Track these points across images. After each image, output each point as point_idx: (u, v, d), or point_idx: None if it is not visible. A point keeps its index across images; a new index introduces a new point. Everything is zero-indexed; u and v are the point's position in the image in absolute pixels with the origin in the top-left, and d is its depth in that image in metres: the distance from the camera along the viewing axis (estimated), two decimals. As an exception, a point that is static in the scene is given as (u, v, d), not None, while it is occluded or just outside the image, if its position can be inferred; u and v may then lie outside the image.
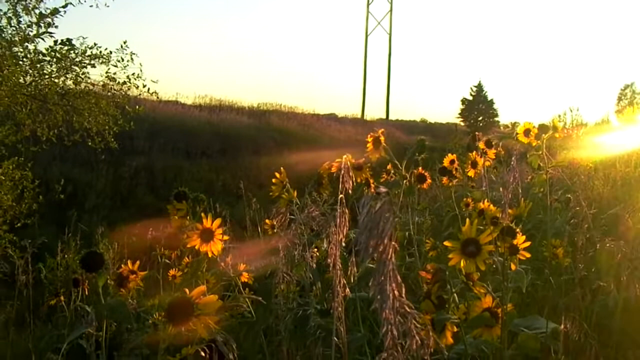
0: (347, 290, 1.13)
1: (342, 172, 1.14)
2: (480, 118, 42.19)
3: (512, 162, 1.78)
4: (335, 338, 1.23)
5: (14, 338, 4.42)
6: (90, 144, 8.76)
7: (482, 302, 1.85)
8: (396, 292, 0.75)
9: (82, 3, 8.12)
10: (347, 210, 1.12)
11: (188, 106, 31.25)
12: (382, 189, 0.81)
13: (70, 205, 13.12)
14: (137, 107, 9.28)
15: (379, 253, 0.74)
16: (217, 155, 24.58)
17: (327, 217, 1.17)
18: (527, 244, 1.87)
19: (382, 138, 2.48)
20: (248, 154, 24.42)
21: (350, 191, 1.20)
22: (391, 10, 46.23)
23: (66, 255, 7.28)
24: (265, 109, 34.48)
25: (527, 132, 3.15)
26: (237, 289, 2.31)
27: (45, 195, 9.04)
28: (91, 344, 2.74)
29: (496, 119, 42.17)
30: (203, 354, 1.29)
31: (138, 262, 2.56)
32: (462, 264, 1.67)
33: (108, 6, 8.46)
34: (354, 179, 2.62)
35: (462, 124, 41.74)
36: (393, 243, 0.75)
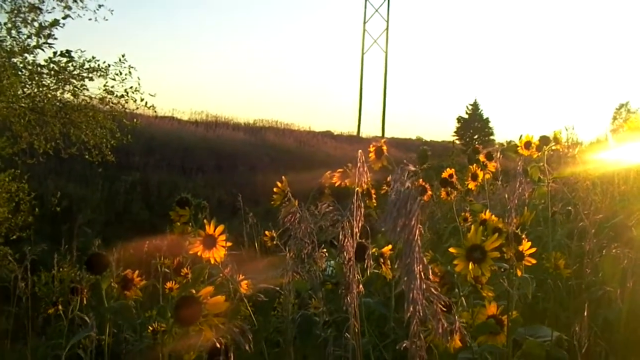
0: (361, 286, 1.12)
1: (359, 165, 1.13)
2: (476, 136, 42.25)
3: (518, 169, 1.78)
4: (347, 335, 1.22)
5: (9, 350, 4.39)
6: (87, 157, 8.75)
7: (487, 309, 1.84)
8: (423, 274, 0.75)
9: (80, 17, 8.14)
10: (362, 204, 1.11)
11: (184, 122, 31.35)
12: (411, 167, 0.80)
13: (65, 219, 13.10)
14: (135, 120, 9.29)
15: (406, 233, 0.73)
16: (213, 171, 24.61)
17: (342, 211, 1.15)
18: (533, 250, 1.87)
19: (384, 147, 2.48)
20: (244, 170, 24.44)
21: (366, 185, 1.19)
22: (387, 29, 46.40)
23: (61, 269, 7.25)
24: (261, 126, 34.58)
25: (527, 145, 3.15)
26: (238, 298, 2.29)
27: (40, 209, 9.01)
28: (89, 353, 2.73)
29: (492, 137, 42.22)
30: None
31: (137, 272, 2.55)
32: (470, 267, 1.66)
33: (107, 19, 8.49)
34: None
35: (457, 142, 41.82)
36: (419, 226, 0.74)
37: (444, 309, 0.77)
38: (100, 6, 8.42)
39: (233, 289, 2.22)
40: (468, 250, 1.72)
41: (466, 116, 43.25)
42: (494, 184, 5.11)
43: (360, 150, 1.13)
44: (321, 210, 1.46)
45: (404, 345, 0.81)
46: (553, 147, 3.02)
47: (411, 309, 0.74)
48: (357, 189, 1.15)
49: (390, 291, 2.41)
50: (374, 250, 1.91)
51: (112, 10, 8.73)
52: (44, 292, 6.75)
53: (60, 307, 3.20)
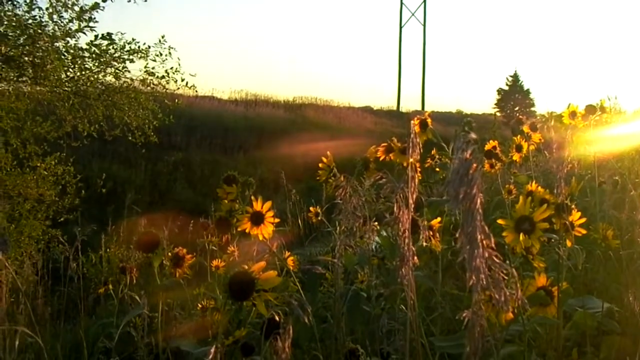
0: (416, 258, 1.13)
1: (412, 136, 1.13)
2: (517, 108, 41.87)
3: (568, 137, 1.76)
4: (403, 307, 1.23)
5: (61, 330, 4.48)
6: (130, 138, 8.82)
7: (536, 280, 1.84)
8: (485, 243, 0.75)
9: (121, -2, 8.18)
10: (418, 175, 1.11)
11: (224, 101, 31.45)
12: (473, 135, 0.80)
13: (110, 201, 13.25)
14: (176, 100, 9.35)
15: (467, 202, 0.73)
16: (254, 149, 24.67)
17: (395, 183, 1.15)
18: (583, 220, 1.86)
19: (429, 120, 2.47)
20: (285, 148, 24.45)
21: (419, 156, 1.19)
22: (425, 1, 45.97)
23: (108, 249, 7.36)
24: (300, 103, 34.55)
25: (573, 115, 3.12)
26: (287, 274, 2.31)
27: (86, 191, 9.13)
28: (140, 331, 2.77)
29: (533, 108, 41.77)
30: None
31: (185, 250, 2.58)
32: (521, 239, 1.66)
33: (146, 1, 8.51)
34: (400, 162, 2.62)
35: (498, 114, 41.46)
36: (481, 194, 0.74)
37: (506, 278, 0.78)
38: (139, -12, 8.44)
39: (280, 265, 2.24)
40: (517, 222, 1.71)
41: (506, 88, 42.89)
42: (537, 156, 5.07)
43: (413, 120, 1.13)
44: (374, 182, 1.46)
45: (464, 315, 0.81)
46: (599, 116, 2.98)
47: (474, 277, 0.74)
48: (411, 160, 1.15)
49: (437, 265, 2.41)
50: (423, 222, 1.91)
51: (151, -8, 8.72)
52: (92, 273, 6.86)
53: (110, 286, 3.25)
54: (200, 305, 2.63)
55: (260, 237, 2.04)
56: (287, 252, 2.62)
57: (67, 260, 4.28)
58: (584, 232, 1.86)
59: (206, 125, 24.99)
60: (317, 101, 36.15)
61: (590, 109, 2.91)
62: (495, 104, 42.86)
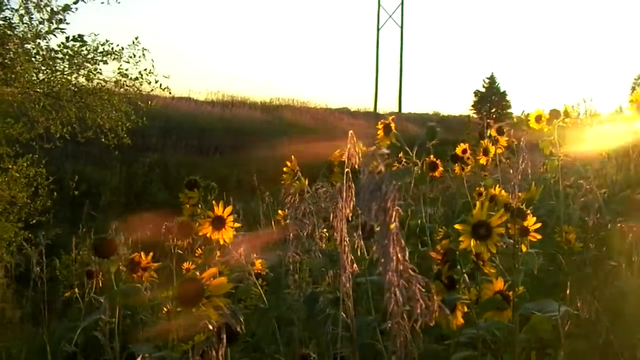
0: (355, 266, 1.13)
1: (349, 146, 1.14)
2: (493, 110, 42.04)
3: (522, 144, 1.77)
4: (344, 314, 1.23)
5: (30, 333, 4.45)
6: (103, 140, 8.79)
7: (493, 285, 1.85)
8: (400, 256, 0.75)
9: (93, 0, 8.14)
10: (353, 185, 1.11)
11: (200, 102, 31.40)
12: (384, 150, 0.81)
13: (84, 202, 13.19)
14: (149, 102, 9.32)
15: (382, 216, 0.74)
16: (231, 151, 24.63)
17: (333, 192, 1.16)
18: (538, 225, 1.87)
19: (392, 125, 2.49)
20: (261, 149, 24.40)
21: (356, 166, 1.20)
22: (402, 3, 45.99)
23: (80, 252, 7.31)
24: (277, 104, 34.52)
25: (538, 119, 3.14)
26: (250, 278, 2.31)
27: (59, 193, 9.08)
28: (105, 335, 2.76)
29: (509, 110, 41.92)
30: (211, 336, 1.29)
31: (151, 254, 2.58)
32: (472, 244, 1.67)
33: (119, 2, 8.47)
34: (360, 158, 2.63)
35: (475, 116, 41.60)
36: (397, 207, 0.75)
37: (423, 290, 0.78)
38: (111, -11, 8.41)
39: (247, 270, 2.24)
40: (474, 227, 1.72)
41: (483, 90, 43.05)
42: (510, 157, 5.10)
43: (350, 131, 1.14)
44: (319, 191, 1.47)
45: (389, 325, 0.82)
46: (564, 121, 3.00)
47: (387, 291, 0.75)
48: (346, 170, 1.15)
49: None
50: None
51: (124, -7, 8.70)
52: (64, 275, 6.82)
53: (76, 290, 3.23)
54: (166, 309, 2.62)
55: (222, 242, 2.05)
56: (257, 254, 2.62)
57: (36, 263, 4.25)
58: (539, 237, 1.88)
59: (182, 127, 24.95)
60: (294, 102, 36.14)
61: (554, 114, 2.94)
62: (472, 106, 42.98)
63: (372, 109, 42.32)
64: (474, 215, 1.73)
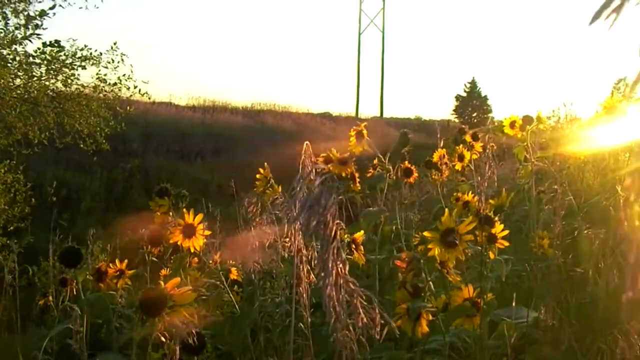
0: (312, 276, 1.13)
1: (303, 157, 1.13)
2: (475, 114, 42.26)
3: (487, 152, 1.78)
4: (301, 324, 1.23)
5: (4, 341, 4.40)
6: (82, 146, 8.76)
7: (462, 292, 1.85)
8: (340, 270, 0.75)
9: (71, 5, 8.12)
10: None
11: (182, 107, 31.35)
12: (321, 165, 0.81)
13: (65, 208, 13.12)
14: (128, 108, 9.29)
15: (322, 231, 0.74)
16: (212, 156, 24.62)
17: (289, 202, 1.16)
18: (505, 232, 1.88)
19: (364, 132, 2.49)
20: (243, 154, 24.39)
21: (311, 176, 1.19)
22: (384, 8, 46.19)
23: (57, 259, 7.26)
24: (259, 109, 34.49)
25: (512, 125, 3.16)
26: (223, 285, 2.31)
27: (39, 199, 9.04)
28: (79, 343, 2.74)
29: (490, 114, 42.11)
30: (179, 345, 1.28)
31: (126, 261, 2.57)
32: (436, 252, 1.67)
33: (97, 7, 8.45)
34: (336, 172, 2.63)
35: (456, 120, 41.74)
36: (337, 221, 0.75)
37: (364, 303, 0.78)
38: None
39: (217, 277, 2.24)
40: (442, 234, 1.72)
41: (464, 94, 43.28)
42: (488, 163, 5.07)
43: (306, 143, 1.13)
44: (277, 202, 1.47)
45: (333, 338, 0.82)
46: (537, 127, 3.02)
47: (328, 304, 0.75)
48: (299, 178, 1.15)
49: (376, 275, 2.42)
50: (345, 236, 1.92)
51: (103, -3, 8.66)
52: (42, 282, 6.77)
53: (50, 298, 3.22)
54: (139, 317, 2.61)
55: (192, 249, 2.04)
56: (234, 260, 2.62)
57: (8, 272, 4.22)
58: (506, 244, 1.88)
59: (163, 132, 24.89)
60: (275, 107, 36.13)
61: (527, 120, 2.95)
62: (454, 110, 43.20)
63: (354, 114, 42.42)
64: (443, 222, 1.73)
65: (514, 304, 1.85)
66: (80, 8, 8.28)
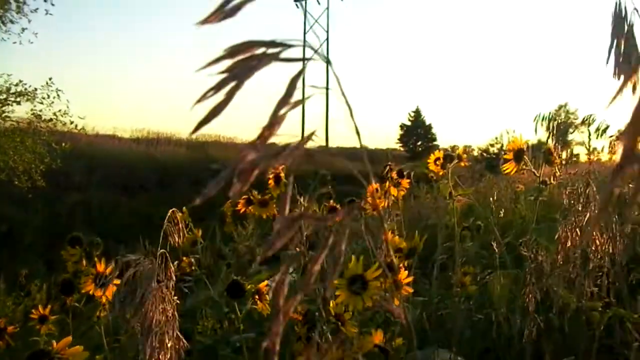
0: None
1: (168, 225, 1.13)
2: (419, 143, 42.69)
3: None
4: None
5: None
6: (16, 182, 8.63)
7: (373, 337, 1.85)
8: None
9: (4, 40, 8.04)
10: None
11: (125, 140, 31.15)
12: (132, 257, 0.81)
13: (6, 244, 12.88)
14: (63, 144, 9.18)
15: (140, 320, 0.74)
16: (156, 189, 24.41)
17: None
18: (410, 279, 1.88)
19: (282, 175, 2.49)
20: (187, 186, 24.24)
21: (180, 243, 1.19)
22: (328, 39, 46.52)
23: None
24: (203, 141, 34.38)
25: (437, 161, 3.19)
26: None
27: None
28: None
29: (435, 143, 42.54)
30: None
31: (49, 307, 2.53)
32: (332, 305, 1.67)
33: (32, 42, 8.38)
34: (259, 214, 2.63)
35: (401, 149, 42.10)
36: (163, 306, 0.75)
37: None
38: (24, 29, 8.32)
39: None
40: (349, 281, 1.71)
41: (409, 123, 43.66)
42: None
43: (172, 210, 1.13)
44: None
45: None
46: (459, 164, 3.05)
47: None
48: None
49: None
50: (249, 286, 1.92)
51: (36, 33, 8.61)
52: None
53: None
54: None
55: (104, 299, 2.02)
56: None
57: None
58: (410, 290, 1.89)
59: (107, 165, 24.65)
60: (220, 138, 36.08)
61: (448, 158, 2.99)
62: (399, 139, 43.53)
63: (300, 144, 42.47)
64: (350, 269, 1.72)
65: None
66: (14, 43, 8.21)
